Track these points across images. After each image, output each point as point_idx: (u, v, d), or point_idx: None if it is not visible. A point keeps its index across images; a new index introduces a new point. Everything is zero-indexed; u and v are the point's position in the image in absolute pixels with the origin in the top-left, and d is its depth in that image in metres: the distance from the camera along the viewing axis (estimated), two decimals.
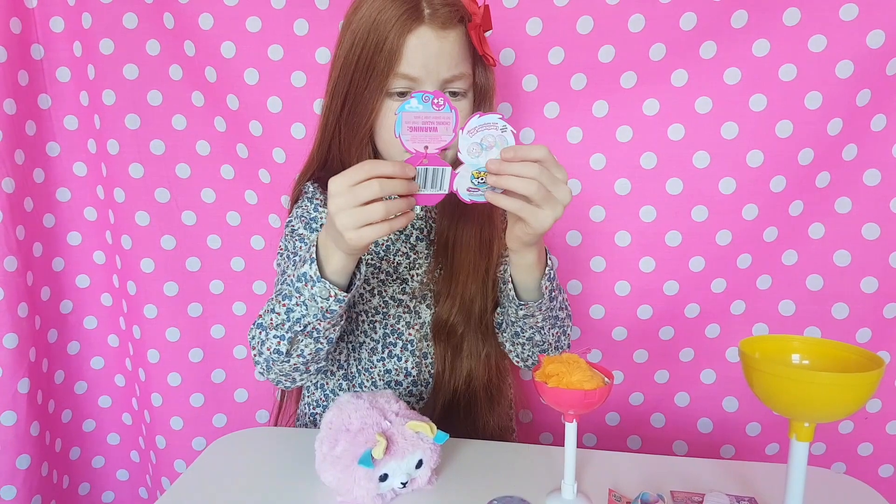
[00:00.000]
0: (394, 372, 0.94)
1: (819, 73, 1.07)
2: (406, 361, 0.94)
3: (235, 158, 1.26)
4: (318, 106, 1.19)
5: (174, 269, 1.29)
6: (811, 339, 0.65)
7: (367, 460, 0.69)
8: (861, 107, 1.08)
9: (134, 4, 1.19)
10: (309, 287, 0.73)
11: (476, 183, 0.70)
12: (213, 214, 1.29)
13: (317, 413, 1.00)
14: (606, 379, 0.69)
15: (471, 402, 0.95)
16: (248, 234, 1.30)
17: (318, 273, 0.72)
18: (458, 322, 0.92)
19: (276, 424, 1.07)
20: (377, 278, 0.94)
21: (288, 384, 0.87)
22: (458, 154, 0.70)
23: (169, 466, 1.35)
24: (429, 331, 0.95)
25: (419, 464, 0.73)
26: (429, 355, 0.95)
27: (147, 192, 1.26)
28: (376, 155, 0.89)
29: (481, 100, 0.90)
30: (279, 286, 0.86)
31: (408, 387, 0.95)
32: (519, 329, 0.89)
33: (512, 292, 0.84)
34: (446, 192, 0.71)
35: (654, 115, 1.14)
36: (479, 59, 0.87)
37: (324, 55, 1.17)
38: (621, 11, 1.11)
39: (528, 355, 0.93)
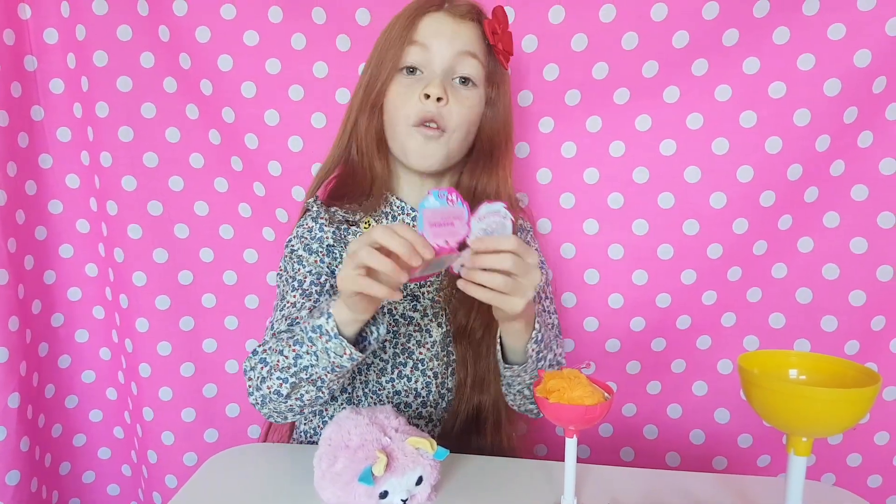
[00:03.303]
0: (403, 393, 0.93)
1: (808, 91, 1.09)
2: (416, 382, 0.93)
3: (229, 171, 1.26)
4: (315, 120, 1.20)
5: (166, 283, 1.28)
6: (808, 354, 0.66)
7: (368, 477, 0.68)
8: (848, 124, 1.10)
9: (128, 17, 1.19)
10: (323, 340, 0.73)
11: None
12: (207, 227, 1.28)
13: (314, 440, 0.98)
14: (607, 394, 0.70)
15: (499, 414, 0.95)
16: (241, 248, 1.29)
17: (335, 329, 0.72)
18: (478, 327, 0.91)
19: (265, 441, 1.05)
20: None
21: (279, 420, 0.87)
22: (467, 239, 0.71)
23: (160, 481, 1.34)
24: (440, 350, 0.94)
25: (419, 480, 0.73)
26: (439, 375, 0.94)
27: (140, 204, 1.25)
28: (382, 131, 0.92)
29: (495, 89, 0.94)
30: (279, 326, 0.85)
31: (417, 408, 0.94)
32: (509, 383, 0.88)
33: (499, 354, 0.83)
34: (442, 270, 0.74)
35: (646, 131, 1.16)
36: (493, 57, 0.92)
37: (321, 69, 1.18)
38: (615, 29, 1.13)
39: (520, 405, 0.91)
